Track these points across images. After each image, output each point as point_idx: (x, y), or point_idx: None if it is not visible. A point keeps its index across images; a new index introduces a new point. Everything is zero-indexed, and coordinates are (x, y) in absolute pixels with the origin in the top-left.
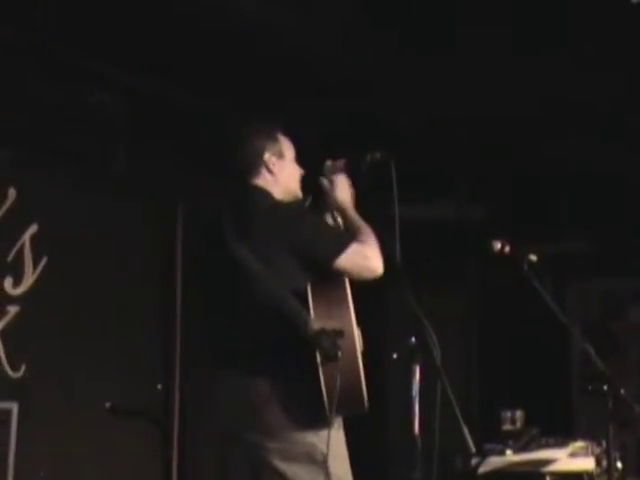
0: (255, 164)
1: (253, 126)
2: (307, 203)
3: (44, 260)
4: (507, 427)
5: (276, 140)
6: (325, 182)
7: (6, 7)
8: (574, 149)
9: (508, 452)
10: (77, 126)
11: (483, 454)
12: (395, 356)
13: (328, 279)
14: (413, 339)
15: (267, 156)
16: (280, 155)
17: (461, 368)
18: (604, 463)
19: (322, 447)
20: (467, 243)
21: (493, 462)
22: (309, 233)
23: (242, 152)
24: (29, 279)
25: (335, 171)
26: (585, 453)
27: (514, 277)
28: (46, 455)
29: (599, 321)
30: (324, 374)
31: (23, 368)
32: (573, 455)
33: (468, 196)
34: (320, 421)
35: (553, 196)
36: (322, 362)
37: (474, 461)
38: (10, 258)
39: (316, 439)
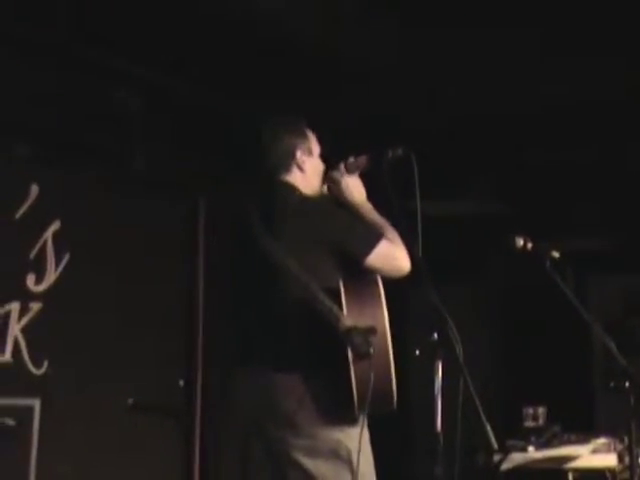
0: (286, 162)
1: (283, 123)
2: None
3: (66, 257)
4: (529, 424)
5: (306, 137)
6: (338, 175)
7: (26, 4)
8: (596, 146)
9: (530, 449)
10: (98, 123)
11: (505, 451)
12: (417, 352)
13: (360, 276)
14: (435, 335)
15: (299, 154)
16: (309, 152)
17: (483, 364)
18: (626, 460)
19: (347, 444)
20: (489, 239)
21: (515, 459)
22: (341, 229)
23: (274, 150)
24: (51, 276)
25: (357, 168)
26: (607, 450)
27: (536, 273)
28: (68, 451)
29: (621, 318)
30: (355, 371)
31: (45, 364)
32: (595, 452)
33: (490, 192)
34: (347, 418)
35: (576, 192)
36: (354, 359)
37: (496, 458)
38: (33, 255)
39: (342, 436)
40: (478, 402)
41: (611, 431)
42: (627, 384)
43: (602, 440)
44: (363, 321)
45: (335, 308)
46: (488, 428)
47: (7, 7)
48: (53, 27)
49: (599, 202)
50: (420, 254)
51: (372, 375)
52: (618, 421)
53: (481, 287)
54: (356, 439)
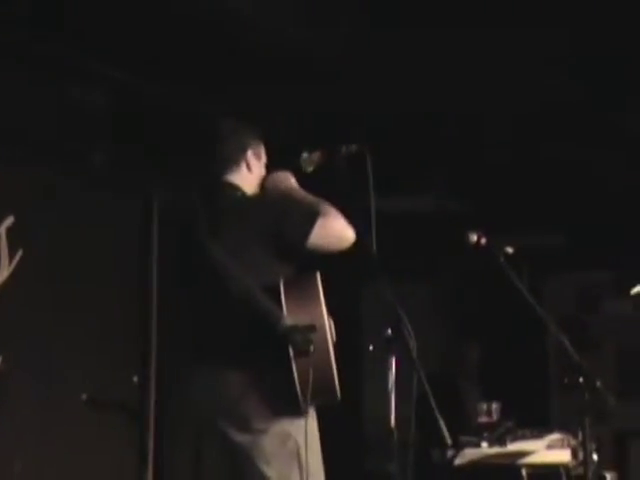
0: (236, 160)
1: (239, 124)
2: None
3: (20, 252)
4: (483, 419)
5: (258, 142)
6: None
7: None
8: (551, 144)
9: (484, 444)
10: (56, 120)
11: (459, 446)
12: (371, 348)
13: (300, 275)
14: (389, 331)
15: (249, 154)
16: (258, 157)
17: (437, 360)
18: (580, 455)
19: (296, 437)
20: (444, 235)
21: (469, 454)
22: (278, 220)
23: (225, 147)
24: (4, 271)
25: (311, 163)
26: (561, 445)
27: (491, 269)
28: (22, 447)
29: (575, 314)
30: (297, 367)
31: None
32: (549, 447)
33: (446, 189)
34: (294, 410)
35: (530, 189)
36: (295, 356)
37: (450, 453)
38: None
39: (292, 428)
40: (432, 397)
41: (565, 427)
42: (581, 380)
43: (556, 436)
44: (302, 318)
45: (275, 308)
46: (442, 423)
47: None
48: (14, 23)
49: (554, 200)
50: (374, 250)
51: (311, 371)
52: (572, 417)
53: (435, 283)
54: (304, 433)
